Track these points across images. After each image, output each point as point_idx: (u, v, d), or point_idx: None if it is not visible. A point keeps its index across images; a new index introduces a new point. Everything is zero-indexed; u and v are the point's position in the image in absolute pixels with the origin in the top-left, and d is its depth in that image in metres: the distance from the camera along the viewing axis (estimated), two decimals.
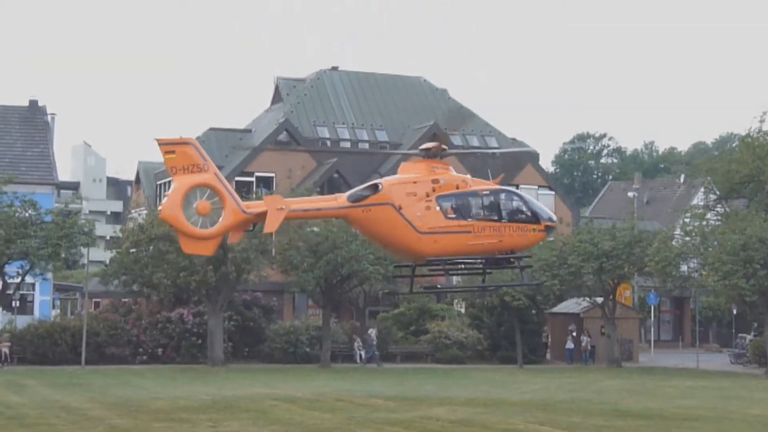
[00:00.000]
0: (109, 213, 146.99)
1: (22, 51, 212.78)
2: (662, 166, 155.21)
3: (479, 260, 33.58)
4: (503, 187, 33.48)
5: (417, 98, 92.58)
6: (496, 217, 32.34)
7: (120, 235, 69.70)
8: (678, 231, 69.32)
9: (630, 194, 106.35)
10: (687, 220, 69.72)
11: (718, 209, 74.38)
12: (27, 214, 57.40)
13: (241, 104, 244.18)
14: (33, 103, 78.59)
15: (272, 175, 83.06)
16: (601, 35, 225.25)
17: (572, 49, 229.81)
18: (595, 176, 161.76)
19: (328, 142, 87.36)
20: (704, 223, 68.26)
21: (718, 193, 75.81)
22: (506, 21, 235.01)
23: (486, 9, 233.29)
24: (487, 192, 32.73)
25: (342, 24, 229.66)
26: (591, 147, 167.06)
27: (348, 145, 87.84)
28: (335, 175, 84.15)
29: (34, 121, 77.47)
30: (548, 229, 33.81)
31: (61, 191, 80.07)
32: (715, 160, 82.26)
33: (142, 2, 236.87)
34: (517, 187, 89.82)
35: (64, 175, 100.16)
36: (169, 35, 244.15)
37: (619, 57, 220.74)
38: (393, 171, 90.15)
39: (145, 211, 80.00)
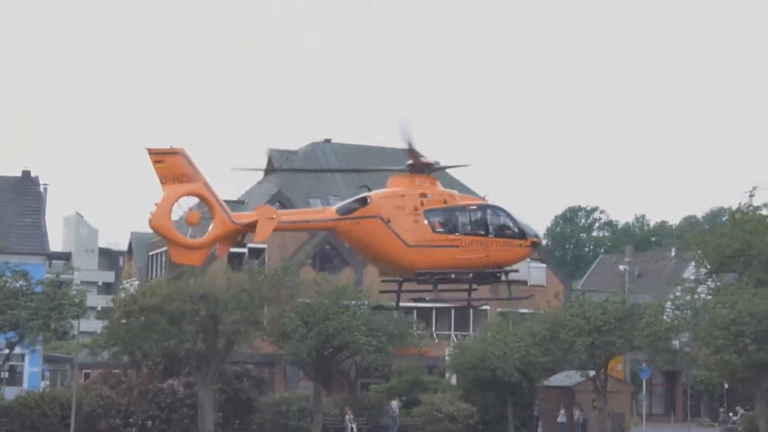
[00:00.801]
0: (100, 283, 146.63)
1: (16, 122, 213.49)
2: (653, 239, 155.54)
3: (467, 274, 33.40)
4: (490, 203, 33.52)
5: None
6: (483, 232, 32.48)
7: (111, 305, 69.55)
8: (669, 304, 69.40)
9: (621, 267, 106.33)
10: (678, 293, 69.83)
11: (709, 283, 74.41)
12: (18, 285, 57.27)
13: (234, 175, 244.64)
14: (26, 174, 78.74)
15: (264, 246, 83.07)
16: (592, 110, 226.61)
17: (564, 124, 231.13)
18: (586, 249, 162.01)
19: None
20: (695, 296, 68.35)
21: (708, 266, 75.87)
22: (495, 99, 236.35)
23: (477, 86, 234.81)
24: (474, 207, 32.92)
25: (332, 95, 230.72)
26: (583, 220, 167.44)
27: None
28: (327, 247, 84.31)
29: (26, 191, 77.57)
30: (534, 245, 33.82)
31: (53, 261, 79.81)
32: (705, 234, 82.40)
33: (139, 77, 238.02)
34: None
35: (55, 245, 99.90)
36: (162, 110, 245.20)
37: (610, 132, 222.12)
38: None
39: (137, 282, 79.89)
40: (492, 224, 32.69)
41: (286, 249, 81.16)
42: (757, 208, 73.99)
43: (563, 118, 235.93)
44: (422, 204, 31.91)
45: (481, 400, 68.07)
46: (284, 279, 66.86)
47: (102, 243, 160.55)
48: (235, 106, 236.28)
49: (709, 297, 68.51)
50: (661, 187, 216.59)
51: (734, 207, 78.63)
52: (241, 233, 31.16)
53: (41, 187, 78.56)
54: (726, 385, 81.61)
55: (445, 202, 32.45)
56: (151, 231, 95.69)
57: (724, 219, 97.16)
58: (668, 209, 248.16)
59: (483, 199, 33.31)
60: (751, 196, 73.74)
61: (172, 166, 29.78)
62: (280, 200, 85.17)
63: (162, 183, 29.86)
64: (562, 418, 69.94)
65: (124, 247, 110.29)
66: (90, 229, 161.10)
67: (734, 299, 61.80)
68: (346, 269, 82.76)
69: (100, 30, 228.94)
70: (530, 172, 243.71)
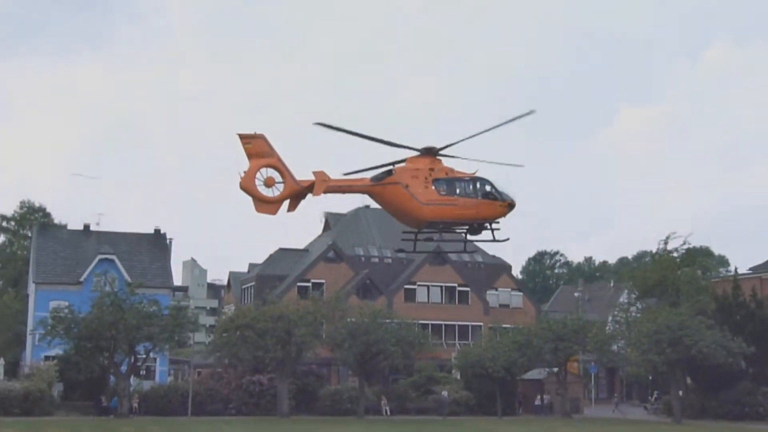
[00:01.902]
0: (208, 308, 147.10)
1: (152, 192, 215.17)
2: (598, 274, 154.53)
3: (463, 225, 33.62)
4: (478, 176, 33.45)
5: None
6: (473, 195, 32.79)
7: (216, 324, 69.83)
8: (610, 319, 69.27)
9: (576, 294, 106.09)
10: (616, 313, 69.72)
11: (638, 305, 74.25)
12: (151, 310, 57.80)
13: (302, 229, 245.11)
14: (157, 231, 79.35)
15: (323, 281, 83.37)
16: (555, 188, 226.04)
17: (536, 193, 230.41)
18: (551, 282, 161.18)
19: (362, 258, 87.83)
20: (628, 315, 68.24)
21: (637, 293, 75.79)
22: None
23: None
24: (468, 178, 33.08)
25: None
26: (548, 261, 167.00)
27: (376, 260, 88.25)
28: (367, 282, 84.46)
29: (157, 243, 78.16)
30: (510, 206, 33.58)
31: (175, 293, 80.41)
32: (634, 271, 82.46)
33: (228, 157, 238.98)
34: (496, 290, 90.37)
35: (177, 281, 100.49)
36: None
37: (569, 200, 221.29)
38: (407, 281, 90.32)
39: (234, 307, 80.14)
40: (480, 190, 32.98)
41: (338, 284, 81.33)
42: (670, 251, 74.05)
43: (535, 190, 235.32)
44: (430, 175, 32.35)
45: (478, 389, 67.65)
46: (337, 304, 67.26)
47: (209, 279, 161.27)
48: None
49: (638, 315, 68.42)
50: (602, 236, 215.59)
51: (654, 250, 78.81)
52: (304, 192, 31.21)
53: (168, 241, 79.17)
54: (650, 377, 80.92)
55: (446, 174, 32.85)
56: (244, 270, 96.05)
57: (647, 259, 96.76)
58: (608, 252, 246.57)
59: (474, 173, 33.22)
60: (666, 243, 73.96)
61: (255, 146, 30.25)
62: (334, 249, 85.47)
63: (248, 157, 30.25)
64: (537, 401, 69.51)
65: (225, 282, 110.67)
66: (201, 269, 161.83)
67: (655, 316, 61.79)
68: (380, 297, 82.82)
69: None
70: (510, 226, 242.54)
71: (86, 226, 77.90)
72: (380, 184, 31.97)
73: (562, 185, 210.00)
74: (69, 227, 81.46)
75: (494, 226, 33.57)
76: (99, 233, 77.11)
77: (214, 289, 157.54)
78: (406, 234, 33.97)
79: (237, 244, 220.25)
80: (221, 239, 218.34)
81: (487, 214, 33.07)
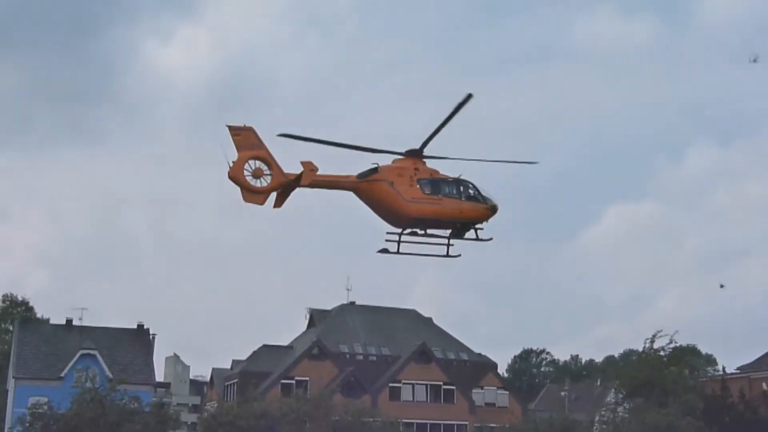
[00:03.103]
0: (191, 405, 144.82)
1: (136, 286, 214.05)
2: (585, 373, 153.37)
3: (448, 225, 33.94)
4: (462, 179, 34.03)
5: (410, 324, 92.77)
6: (456, 196, 33.40)
7: (198, 422, 68.72)
8: (597, 419, 68.52)
9: (562, 393, 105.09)
10: (603, 412, 69.01)
11: (625, 405, 73.50)
12: (133, 406, 56.92)
13: (286, 326, 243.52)
14: (140, 326, 78.80)
15: (307, 378, 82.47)
16: (542, 285, 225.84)
17: (522, 290, 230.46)
18: (537, 380, 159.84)
19: (347, 356, 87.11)
20: (616, 415, 67.50)
21: (624, 393, 75.10)
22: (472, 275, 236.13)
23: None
24: (451, 180, 33.69)
25: (358, 268, 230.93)
26: (534, 359, 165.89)
27: (361, 358, 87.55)
28: (352, 379, 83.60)
29: (140, 339, 77.54)
30: (493, 209, 34.07)
31: (157, 389, 79.29)
32: (621, 370, 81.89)
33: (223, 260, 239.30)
34: (482, 388, 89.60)
35: (159, 377, 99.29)
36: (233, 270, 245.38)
37: (555, 297, 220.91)
38: (392, 379, 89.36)
39: (216, 405, 79.00)
40: (463, 192, 33.61)
41: (322, 382, 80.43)
42: (657, 350, 73.67)
43: (521, 292, 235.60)
44: (415, 174, 33.01)
45: None
46: (321, 403, 66.38)
47: (192, 375, 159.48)
48: (282, 281, 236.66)
49: (625, 415, 67.64)
50: (589, 336, 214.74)
51: (641, 349, 78.42)
52: (291, 185, 31.83)
53: (151, 336, 78.54)
54: None
55: (431, 175, 33.51)
56: (227, 366, 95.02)
57: (634, 358, 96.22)
58: (595, 351, 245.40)
59: (459, 176, 33.80)
60: (652, 342, 73.54)
61: (244, 138, 31.06)
62: (318, 346, 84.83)
63: (237, 149, 31.00)
64: None
65: (207, 379, 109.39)
66: (183, 365, 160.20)
67: (643, 416, 61.14)
68: (365, 395, 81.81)
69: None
70: (497, 324, 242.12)
71: (69, 321, 77.42)
72: (366, 181, 32.58)
73: (549, 282, 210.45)
74: (51, 321, 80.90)
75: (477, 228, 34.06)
76: (81, 328, 76.51)
77: (196, 386, 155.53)
78: (390, 234, 34.03)
79: (220, 340, 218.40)
80: (205, 334, 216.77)
81: (471, 215, 33.70)
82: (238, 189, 31.11)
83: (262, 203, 31.96)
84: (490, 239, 34.67)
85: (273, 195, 31.88)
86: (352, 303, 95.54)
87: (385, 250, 34.35)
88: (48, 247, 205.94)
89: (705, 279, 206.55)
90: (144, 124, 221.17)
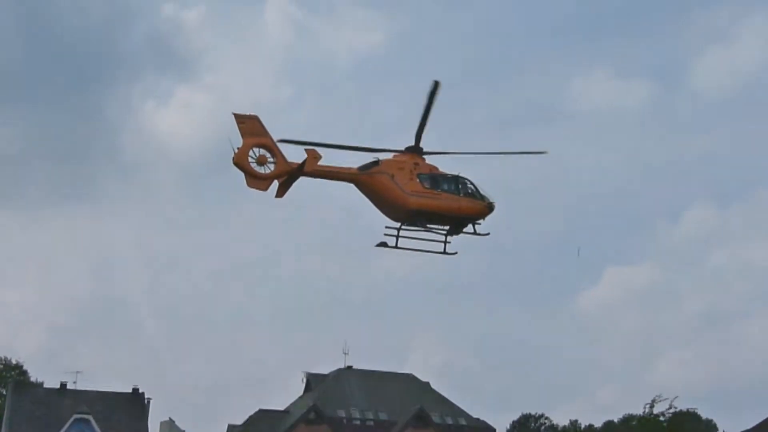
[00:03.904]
0: None
1: (129, 349, 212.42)
2: None
3: (445, 220, 34.73)
4: (461, 175, 34.88)
5: (408, 388, 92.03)
6: (455, 192, 34.43)
7: None
8: None
9: None
10: None
11: None
12: None
13: (283, 390, 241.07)
14: (135, 390, 78.19)
15: None
16: (540, 349, 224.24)
17: (521, 354, 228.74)
18: None
19: (344, 420, 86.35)
20: None
21: None
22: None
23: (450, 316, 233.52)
24: (450, 176, 34.77)
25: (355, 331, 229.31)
26: (533, 424, 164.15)
27: (358, 422, 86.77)
28: None
29: (135, 403, 76.88)
30: (490, 207, 34.94)
31: None
32: None
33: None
34: None
35: None
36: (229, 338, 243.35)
37: (553, 361, 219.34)
38: None
39: None
40: (462, 188, 34.59)
41: None
42: (657, 415, 73.19)
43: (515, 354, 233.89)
44: (415, 168, 34.07)
45: None
46: None
47: None
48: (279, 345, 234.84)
49: None
50: (587, 399, 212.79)
51: (641, 413, 77.82)
52: (294, 174, 32.75)
53: (146, 400, 77.90)
54: None
55: (430, 170, 34.54)
56: (223, 431, 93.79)
57: (634, 423, 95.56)
58: (594, 415, 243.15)
59: (458, 173, 34.86)
60: (652, 407, 73.10)
61: (249, 126, 32.12)
62: (315, 411, 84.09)
63: (242, 136, 32.00)
64: None
65: None
66: (179, 430, 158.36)
67: None
68: None
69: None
70: (494, 386, 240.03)
71: (63, 385, 76.75)
72: (367, 173, 33.61)
73: (547, 346, 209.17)
74: (45, 385, 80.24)
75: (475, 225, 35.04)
76: (76, 391, 75.82)
77: None
78: (389, 229, 34.66)
79: (216, 404, 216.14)
80: (200, 399, 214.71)
81: (468, 211, 34.56)
82: (242, 174, 32.08)
83: (265, 189, 32.96)
84: (488, 234, 35.79)
85: (276, 184, 32.96)
86: (350, 367, 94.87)
87: (383, 244, 35.28)
88: (43, 309, 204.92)
89: (704, 341, 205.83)
90: (141, 184, 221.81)
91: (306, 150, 32.90)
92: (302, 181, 33.06)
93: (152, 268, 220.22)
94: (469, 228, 35.52)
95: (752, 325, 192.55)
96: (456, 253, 35.18)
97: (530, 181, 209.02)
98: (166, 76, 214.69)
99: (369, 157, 34.33)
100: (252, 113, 32.54)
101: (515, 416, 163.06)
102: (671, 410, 72.88)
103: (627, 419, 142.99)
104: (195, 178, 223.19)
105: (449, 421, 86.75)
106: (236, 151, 31.98)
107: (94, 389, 77.36)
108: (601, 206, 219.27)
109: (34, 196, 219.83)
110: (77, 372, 77.49)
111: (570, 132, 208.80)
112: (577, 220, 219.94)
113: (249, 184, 32.52)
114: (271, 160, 32.16)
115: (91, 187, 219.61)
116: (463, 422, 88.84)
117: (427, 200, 33.87)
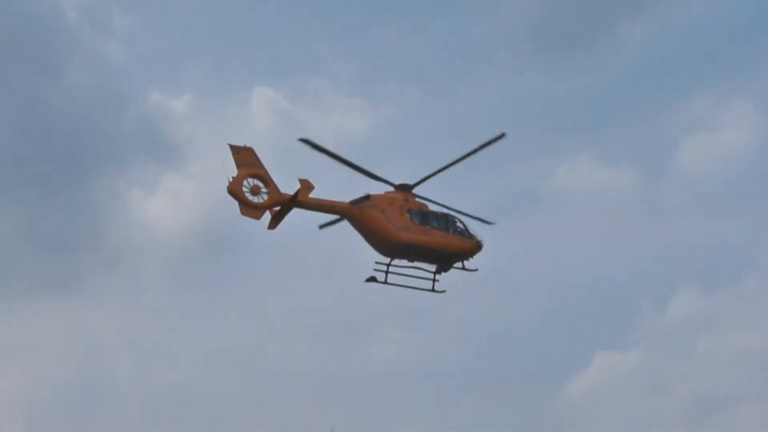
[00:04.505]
0: None
1: None
2: None
3: (434, 256, 35.66)
4: (451, 213, 35.95)
5: None
6: (444, 229, 35.44)
7: None
8: None
9: None
10: None
11: None
12: None
13: None
14: None
15: None
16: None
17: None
18: None
19: None
20: None
21: None
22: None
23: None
24: (439, 214, 35.86)
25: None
26: None
27: None
28: None
29: None
30: (478, 245, 36.06)
31: None
32: None
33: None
34: None
35: None
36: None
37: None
38: None
39: None
40: (450, 225, 35.65)
41: None
42: None
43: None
44: (405, 205, 35.18)
45: None
46: None
47: None
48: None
49: None
50: None
51: None
52: (287, 205, 33.96)
53: None
54: None
55: (420, 207, 35.68)
56: None
57: None
58: None
59: (447, 213, 35.73)
60: None
61: (244, 157, 33.42)
62: None
63: (237, 167, 33.22)
64: None
65: None
66: None
67: None
68: None
69: None
70: None
71: None
72: (358, 207, 34.74)
73: None
74: None
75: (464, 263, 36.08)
76: None
77: None
78: (378, 264, 35.52)
79: None
80: None
81: (457, 249, 35.53)
82: (236, 203, 33.21)
83: (258, 218, 33.86)
84: (476, 270, 36.33)
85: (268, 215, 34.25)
86: None
87: (372, 279, 35.67)
88: (26, 400, 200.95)
89: (693, 428, 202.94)
90: (127, 273, 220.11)
91: (300, 180, 33.91)
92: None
93: (139, 357, 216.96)
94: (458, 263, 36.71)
95: (742, 412, 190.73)
96: (444, 291, 36.09)
97: (517, 266, 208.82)
98: (154, 164, 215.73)
99: (365, 186, 35.63)
100: (247, 145, 33.77)
101: None
102: None
103: None
104: (181, 265, 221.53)
105: None
106: (231, 180, 33.06)
107: None
108: (587, 292, 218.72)
109: (18, 286, 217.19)
110: None
111: (554, 218, 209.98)
112: (562, 306, 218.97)
113: (243, 213, 33.41)
114: (264, 190, 33.30)
115: (75, 277, 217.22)
116: None
117: (417, 235, 34.88)
